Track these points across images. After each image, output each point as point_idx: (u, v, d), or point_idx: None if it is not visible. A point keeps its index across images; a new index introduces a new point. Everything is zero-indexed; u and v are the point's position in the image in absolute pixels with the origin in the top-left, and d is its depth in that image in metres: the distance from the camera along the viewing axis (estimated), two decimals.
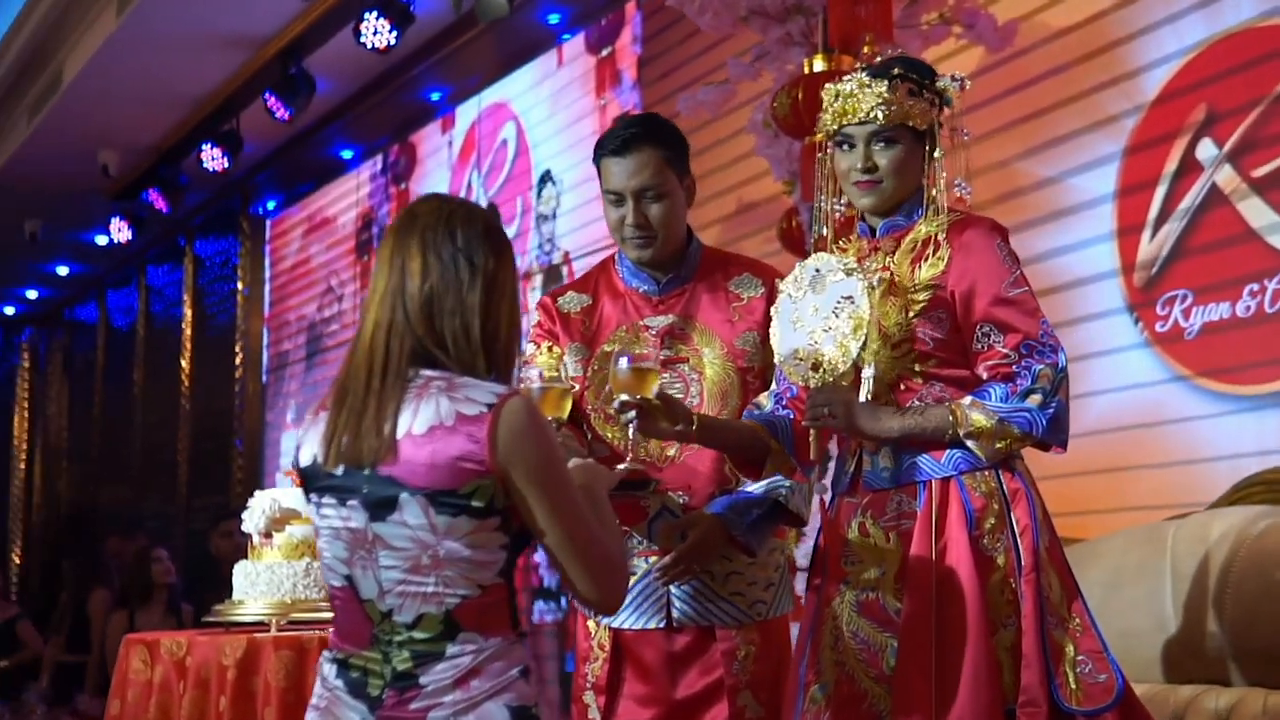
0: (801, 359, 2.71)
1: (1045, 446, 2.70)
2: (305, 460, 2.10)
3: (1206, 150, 4.18)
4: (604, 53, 7.03)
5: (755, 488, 2.89)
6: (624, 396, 2.66)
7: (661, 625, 2.93)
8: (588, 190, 6.77)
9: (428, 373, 2.04)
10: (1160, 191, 4.29)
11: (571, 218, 7.23)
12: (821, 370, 2.68)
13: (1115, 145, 4.43)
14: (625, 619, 2.96)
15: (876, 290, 2.67)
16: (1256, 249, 4.04)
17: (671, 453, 2.94)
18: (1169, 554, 3.43)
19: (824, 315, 2.69)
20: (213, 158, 8.29)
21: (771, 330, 2.80)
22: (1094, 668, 2.63)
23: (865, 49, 3.98)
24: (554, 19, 7.24)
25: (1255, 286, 4.01)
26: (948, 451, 2.67)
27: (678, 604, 2.92)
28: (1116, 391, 4.38)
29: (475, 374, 2.05)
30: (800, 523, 2.95)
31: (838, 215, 2.83)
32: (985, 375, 2.68)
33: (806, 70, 4.43)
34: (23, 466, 14.92)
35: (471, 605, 2.02)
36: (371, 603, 2.03)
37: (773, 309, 2.82)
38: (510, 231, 7.77)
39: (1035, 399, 2.63)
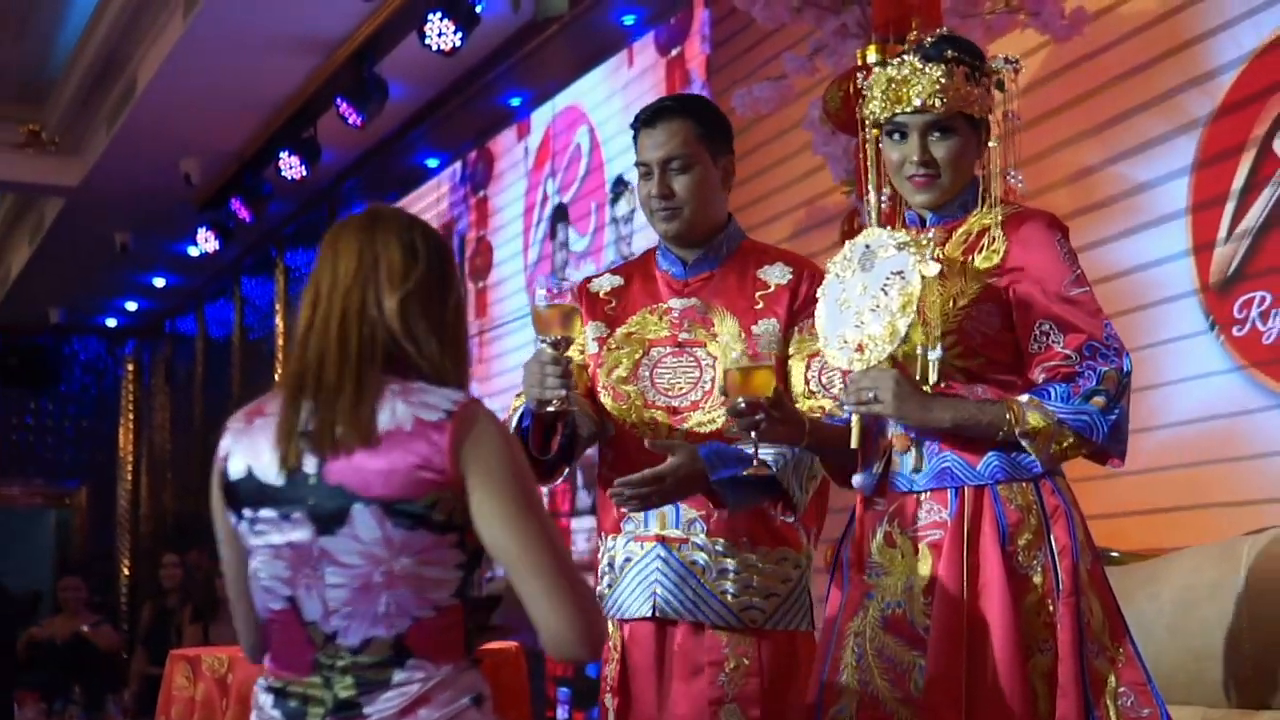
0: (846, 342, 2.52)
1: (1103, 455, 2.52)
2: (236, 472, 1.94)
3: None
4: (673, 53, 6.90)
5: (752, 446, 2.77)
6: (742, 401, 2.50)
7: (649, 615, 2.84)
8: None
9: (383, 376, 1.92)
10: (1230, 206, 4.05)
11: (643, 217, 7.08)
12: (867, 353, 2.50)
13: (1189, 144, 4.19)
14: (620, 606, 2.89)
15: (930, 261, 2.47)
16: None
17: (688, 425, 2.86)
18: (1243, 571, 3.26)
19: (872, 294, 2.50)
20: (290, 166, 8.28)
21: (816, 313, 2.63)
22: (1137, 701, 2.46)
23: (913, 36, 3.81)
24: (629, 20, 7.14)
25: None
26: (984, 457, 2.50)
27: (660, 590, 2.83)
28: (1201, 422, 4.14)
29: (442, 380, 1.93)
30: (791, 506, 2.79)
31: (884, 208, 2.66)
32: (1043, 377, 2.50)
33: (859, 61, 4.24)
34: (129, 478, 15.13)
35: (425, 628, 1.88)
36: (315, 625, 1.89)
37: (819, 291, 2.64)
38: (585, 240, 7.65)
39: (1098, 401, 2.45)
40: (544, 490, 4.97)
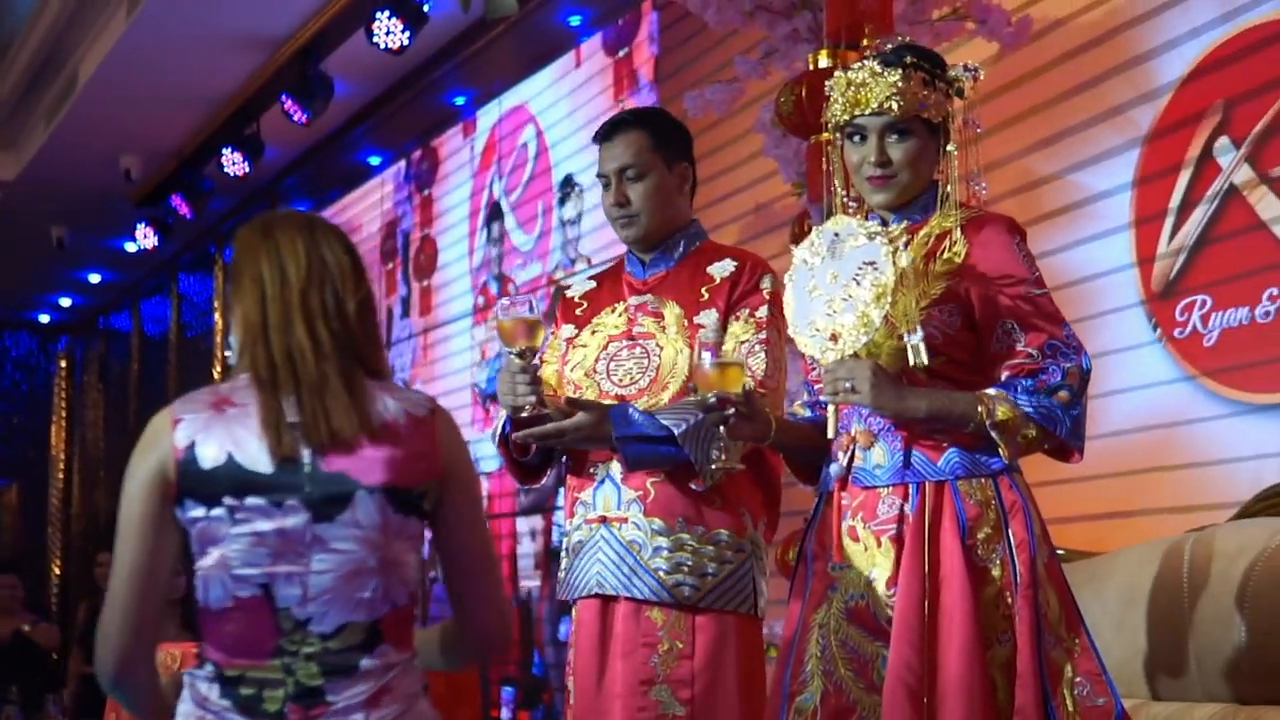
0: (818, 330, 2.58)
1: (1065, 450, 2.61)
2: (211, 460, 1.92)
3: (1225, 152, 4.01)
4: (621, 53, 6.93)
5: (668, 415, 2.89)
6: (714, 395, 2.58)
7: (593, 592, 2.97)
8: None
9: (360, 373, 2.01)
10: (1170, 221, 4.13)
11: (591, 220, 7.12)
12: (841, 343, 2.55)
13: (1134, 158, 4.27)
14: (572, 586, 3.03)
15: (903, 253, 2.54)
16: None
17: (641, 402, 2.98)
18: (1186, 568, 3.31)
19: (844, 283, 2.56)
20: (233, 162, 8.22)
21: (785, 300, 2.71)
22: (1092, 690, 2.54)
23: (865, 42, 3.88)
24: (575, 20, 7.16)
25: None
26: (945, 453, 2.58)
27: (599, 569, 2.95)
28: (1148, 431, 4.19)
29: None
30: (695, 475, 2.89)
31: (850, 210, 2.73)
32: (1006, 374, 2.58)
33: (811, 66, 4.29)
34: (61, 477, 14.94)
35: (397, 614, 1.96)
36: (287, 610, 1.92)
37: (786, 276, 2.72)
38: (532, 237, 7.67)
39: (1062, 396, 2.54)
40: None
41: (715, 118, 5.16)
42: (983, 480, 2.57)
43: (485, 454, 7.81)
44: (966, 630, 2.49)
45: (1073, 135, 4.42)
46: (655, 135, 3.06)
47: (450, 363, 8.37)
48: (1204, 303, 3.98)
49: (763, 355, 2.95)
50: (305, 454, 1.93)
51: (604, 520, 2.97)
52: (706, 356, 2.60)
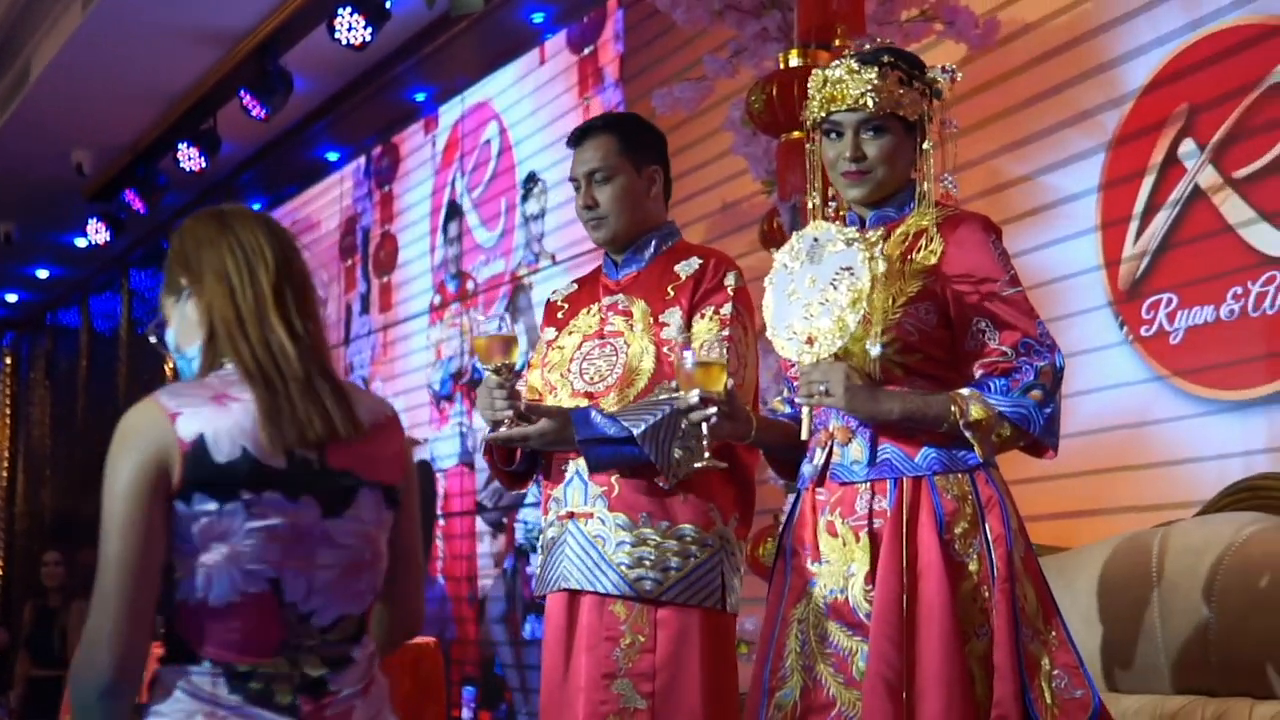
0: (795, 333, 2.62)
1: (1039, 447, 2.65)
2: (225, 454, 1.88)
3: (1190, 155, 4.05)
4: (586, 51, 6.93)
5: (629, 416, 2.93)
6: (696, 394, 2.61)
7: (560, 587, 3.01)
8: (571, 191, 6.61)
9: None
10: (1134, 225, 4.18)
11: (555, 218, 7.11)
12: (817, 346, 2.59)
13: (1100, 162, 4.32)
14: (544, 581, 3.07)
15: (879, 260, 2.57)
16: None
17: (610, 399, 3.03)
18: (1154, 562, 3.37)
19: (821, 287, 2.60)
20: (189, 158, 8.17)
21: (764, 303, 2.74)
22: (1070, 682, 2.56)
23: (837, 42, 3.91)
24: (538, 18, 7.15)
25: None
26: (921, 449, 2.60)
27: (565, 563, 3.00)
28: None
29: None
30: (657, 473, 2.93)
31: (829, 211, 2.75)
32: (981, 373, 2.61)
33: (782, 65, 4.32)
34: (5, 474, 14.78)
35: (372, 607, 2.03)
36: (294, 605, 1.92)
37: (766, 280, 2.75)
38: (495, 234, 7.66)
39: (1035, 395, 2.57)
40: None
41: (684, 116, 5.17)
42: (959, 475, 2.60)
43: (442, 453, 7.81)
44: (944, 624, 2.51)
45: (1041, 138, 4.46)
46: (623, 139, 3.12)
47: (410, 360, 8.35)
48: (1169, 301, 4.03)
49: (724, 351, 2.97)
50: (312, 450, 1.93)
51: (572, 516, 3.02)
52: (688, 356, 2.62)
